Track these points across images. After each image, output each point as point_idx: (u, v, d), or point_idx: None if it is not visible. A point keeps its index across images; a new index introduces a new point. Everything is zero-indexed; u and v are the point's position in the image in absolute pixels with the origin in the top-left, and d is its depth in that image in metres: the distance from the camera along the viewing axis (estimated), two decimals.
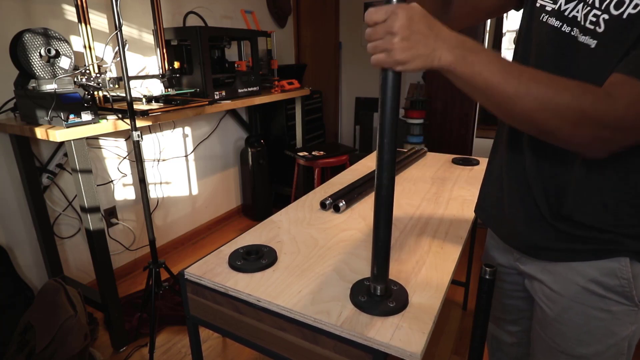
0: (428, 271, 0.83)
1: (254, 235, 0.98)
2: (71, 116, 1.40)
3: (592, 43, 0.59)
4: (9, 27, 1.60)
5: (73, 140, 1.40)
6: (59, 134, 1.35)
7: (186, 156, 2.57)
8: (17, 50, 1.41)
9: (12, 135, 1.60)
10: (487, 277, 0.76)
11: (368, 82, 4.03)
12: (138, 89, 2.15)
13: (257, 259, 0.85)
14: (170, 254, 2.51)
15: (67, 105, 1.39)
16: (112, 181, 2.12)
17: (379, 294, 0.70)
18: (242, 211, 3.11)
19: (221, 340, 1.75)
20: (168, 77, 2.04)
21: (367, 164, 1.60)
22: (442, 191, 1.30)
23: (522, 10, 0.75)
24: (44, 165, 1.80)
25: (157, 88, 2.18)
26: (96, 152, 2.02)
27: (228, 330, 0.81)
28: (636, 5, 0.53)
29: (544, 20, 0.66)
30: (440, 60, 0.53)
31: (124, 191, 2.20)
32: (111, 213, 2.14)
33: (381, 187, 0.63)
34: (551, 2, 0.65)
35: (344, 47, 4.09)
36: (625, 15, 0.54)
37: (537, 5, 0.68)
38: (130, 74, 1.52)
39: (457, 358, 1.64)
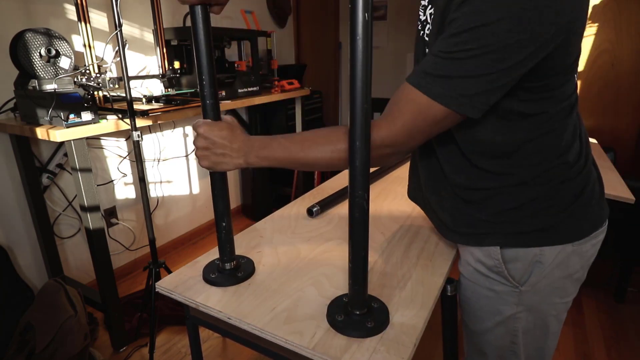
0: (414, 286, 0.78)
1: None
2: (71, 116, 1.40)
3: (427, 38, 0.72)
4: (9, 27, 1.59)
5: (73, 140, 1.40)
6: (59, 134, 1.35)
7: (186, 156, 2.57)
8: (18, 50, 1.41)
9: (12, 135, 1.60)
10: (449, 294, 0.78)
11: None
12: (138, 89, 2.15)
13: (232, 271, 0.80)
14: (170, 254, 2.51)
15: (67, 105, 1.39)
16: (112, 181, 2.12)
17: (357, 312, 0.66)
18: (242, 211, 3.11)
19: (221, 340, 1.75)
20: (168, 77, 2.03)
21: None
22: None
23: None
24: (44, 165, 1.80)
25: (157, 88, 2.18)
26: (96, 152, 2.02)
27: (228, 331, 0.81)
28: (431, 10, 0.70)
29: (421, 35, 0.76)
30: (242, 164, 0.71)
31: (124, 191, 2.20)
32: (111, 213, 2.14)
33: (355, 195, 0.59)
34: (420, 27, 0.76)
35: (344, 47, 4.09)
36: (429, 19, 0.70)
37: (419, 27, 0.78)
38: (130, 74, 1.52)
39: None
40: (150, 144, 2.32)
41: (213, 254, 0.90)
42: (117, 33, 1.35)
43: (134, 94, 2.00)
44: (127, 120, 1.50)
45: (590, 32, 2.65)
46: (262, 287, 0.78)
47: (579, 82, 2.72)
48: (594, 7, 2.61)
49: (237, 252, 0.88)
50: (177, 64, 2.07)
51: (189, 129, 2.55)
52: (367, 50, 0.52)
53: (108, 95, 1.70)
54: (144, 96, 1.92)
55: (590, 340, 1.73)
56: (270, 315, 0.70)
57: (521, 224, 0.71)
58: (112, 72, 1.87)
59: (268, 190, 2.96)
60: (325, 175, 2.81)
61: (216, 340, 1.75)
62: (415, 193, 0.95)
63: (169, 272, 1.77)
